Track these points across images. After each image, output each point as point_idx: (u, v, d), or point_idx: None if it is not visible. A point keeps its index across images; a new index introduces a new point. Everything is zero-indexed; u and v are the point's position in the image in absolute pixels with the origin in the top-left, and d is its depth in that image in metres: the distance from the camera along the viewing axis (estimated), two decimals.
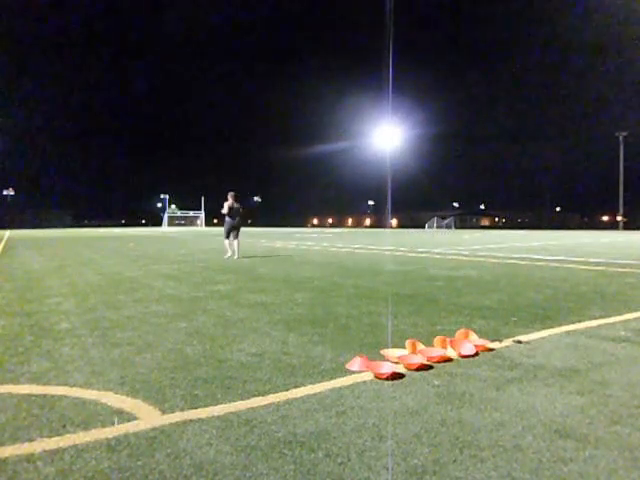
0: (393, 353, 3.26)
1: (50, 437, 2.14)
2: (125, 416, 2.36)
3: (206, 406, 2.47)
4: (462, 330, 3.69)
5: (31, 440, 2.11)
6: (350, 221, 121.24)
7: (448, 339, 3.48)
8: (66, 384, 2.82)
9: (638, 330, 4.06)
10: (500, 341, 3.68)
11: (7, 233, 40.96)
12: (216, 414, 2.37)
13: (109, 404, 2.51)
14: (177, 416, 2.35)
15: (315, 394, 2.63)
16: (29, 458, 1.96)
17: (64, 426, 2.24)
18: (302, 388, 2.72)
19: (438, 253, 13.38)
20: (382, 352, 3.33)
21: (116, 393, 2.66)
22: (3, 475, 1.84)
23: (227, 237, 11.48)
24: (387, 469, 1.86)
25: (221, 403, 2.51)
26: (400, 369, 3.02)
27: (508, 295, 5.87)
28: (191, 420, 2.30)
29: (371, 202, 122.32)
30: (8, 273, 8.84)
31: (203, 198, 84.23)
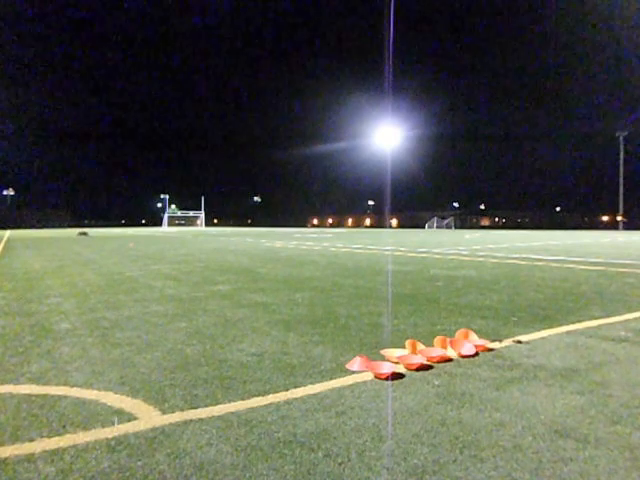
0: (393, 353, 3.26)
1: (50, 437, 2.13)
2: (125, 416, 2.36)
3: (206, 406, 2.47)
4: (462, 330, 3.69)
5: (31, 440, 2.11)
6: (350, 221, 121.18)
7: (448, 339, 3.48)
8: (66, 384, 2.82)
9: (638, 330, 4.06)
10: (500, 341, 3.69)
11: (7, 233, 40.94)
12: (216, 414, 2.37)
13: (109, 404, 2.51)
14: (177, 416, 2.35)
15: (315, 394, 2.63)
16: (29, 458, 1.96)
17: (64, 426, 2.24)
18: (302, 388, 2.72)
19: (438, 253, 13.38)
20: (382, 352, 3.33)
21: (116, 393, 2.66)
22: (3, 475, 1.84)
23: None
24: (387, 469, 1.86)
25: (221, 403, 2.51)
26: (400, 369, 3.02)
27: (508, 295, 5.86)
28: (191, 420, 2.30)
29: (371, 202, 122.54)
30: (8, 273, 8.84)
31: (203, 198, 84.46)
